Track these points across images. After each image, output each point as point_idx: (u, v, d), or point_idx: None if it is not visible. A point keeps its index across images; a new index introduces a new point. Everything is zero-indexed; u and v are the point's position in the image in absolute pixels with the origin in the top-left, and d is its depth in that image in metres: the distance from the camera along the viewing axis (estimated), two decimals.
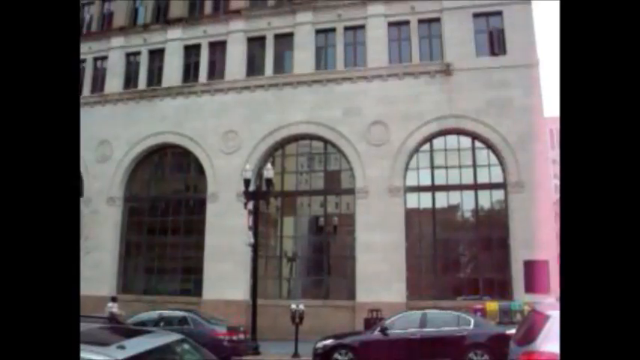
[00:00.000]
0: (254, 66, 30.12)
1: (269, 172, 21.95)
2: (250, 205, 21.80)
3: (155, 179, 31.93)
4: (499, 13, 27.67)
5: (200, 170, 29.89)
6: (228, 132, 29.11)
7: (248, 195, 21.72)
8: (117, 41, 33.32)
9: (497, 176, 26.43)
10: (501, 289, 25.09)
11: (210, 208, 28.80)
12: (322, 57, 29.43)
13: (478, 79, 26.67)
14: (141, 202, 31.62)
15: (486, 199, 26.99)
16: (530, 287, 23.96)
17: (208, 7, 31.97)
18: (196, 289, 28.44)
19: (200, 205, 29.53)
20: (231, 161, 28.57)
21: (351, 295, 26.19)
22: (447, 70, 27.09)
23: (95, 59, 33.97)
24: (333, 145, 28.12)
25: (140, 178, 31.71)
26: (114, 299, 24.99)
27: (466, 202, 26.92)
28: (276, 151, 29.21)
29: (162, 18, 32.80)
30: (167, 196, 31.34)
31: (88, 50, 33.77)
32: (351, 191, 27.63)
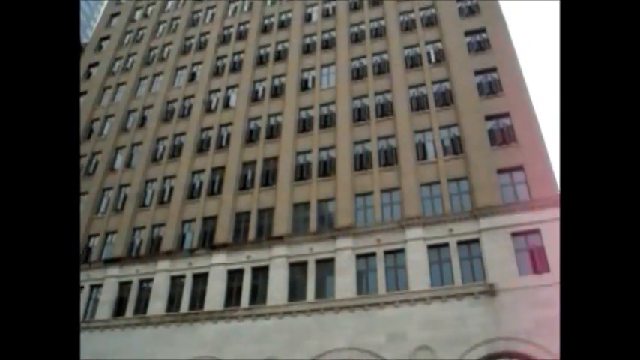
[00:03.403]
0: (296, 291, 30.33)
1: None
2: None
3: None
4: (537, 231, 27.86)
5: None
6: (268, 358, 28.30)
7: None
8: (163, 264, 34.52)
9: None
10: None
11: None
12: (364, 281, 29.53)
13: (524, 299, 25.98)
14: None
15: None
16: None
17: (252, 233, 33.54)
18: None
19: None
20: None
21: None
22: (490, 291, 26.63)
23: (141, 281, 34.88)
24: None
25: None
26: None
27: None
28: None
29: (207, 243, 34.35)
30: None
31: (134, 272, 35.05)
32: None
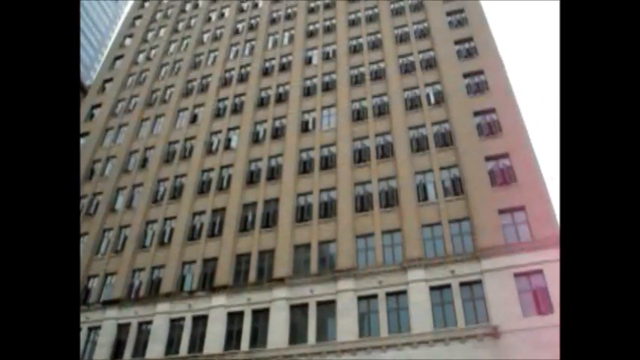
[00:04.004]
0: (297, 334, 29.86)
1: None
2: None
3: None
4: (540, 272, 27.62)
5: None
6: None
7: None
8: (162, 307, 34.12)
9: None
10: None
11: None
12: (365, 323, 29.12)
13: (528, 341, 25.58)
14: None
15: None
16: None
17: (253, 275, 33.31)
18: None
19: None
20: None
21: None
22: (494, 333, 26.24)
23: (140, 323, 34.41)
24: None
25: None
26: None
27: None
28: None
29: (207, 285, 34.07)
30: None
31: (133, 314, 34.58)
32: None
